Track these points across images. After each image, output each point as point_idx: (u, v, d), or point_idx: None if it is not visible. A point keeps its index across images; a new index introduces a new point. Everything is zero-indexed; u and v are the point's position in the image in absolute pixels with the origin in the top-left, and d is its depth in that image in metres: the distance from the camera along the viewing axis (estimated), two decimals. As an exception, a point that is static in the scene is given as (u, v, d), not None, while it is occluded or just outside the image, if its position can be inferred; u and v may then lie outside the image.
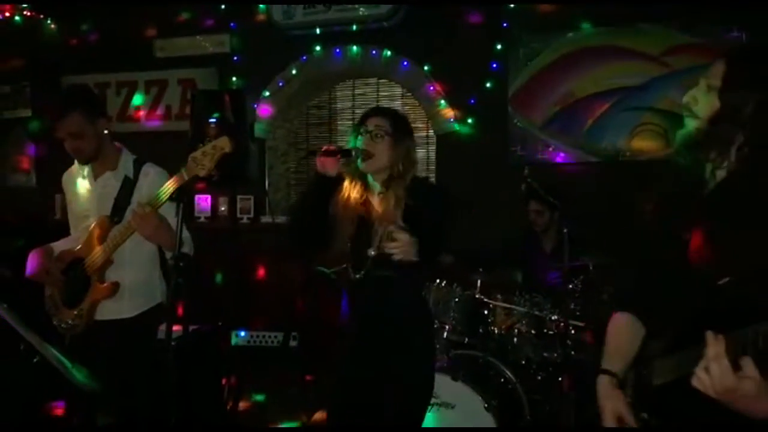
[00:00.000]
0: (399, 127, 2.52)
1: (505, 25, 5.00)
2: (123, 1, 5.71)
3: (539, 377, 3.74)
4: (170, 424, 2.49)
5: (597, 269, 3.80)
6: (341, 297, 3.49)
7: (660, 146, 4.59)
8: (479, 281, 3.80)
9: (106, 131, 2.81)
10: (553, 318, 3.72)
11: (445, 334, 3.68)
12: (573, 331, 3.70)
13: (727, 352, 1.23)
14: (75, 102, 2.75)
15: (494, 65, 5.02)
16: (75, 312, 2.74)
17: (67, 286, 2.78)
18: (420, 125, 5.36)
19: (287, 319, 4.46)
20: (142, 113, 5.91)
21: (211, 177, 2.50)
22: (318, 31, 5.28)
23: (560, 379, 3.71)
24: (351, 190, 2.51)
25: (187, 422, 3.27)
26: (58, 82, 5.85)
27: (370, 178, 2.52)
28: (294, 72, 5.48)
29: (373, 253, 2.43)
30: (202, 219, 5.64)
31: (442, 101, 5.12)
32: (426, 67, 5.15)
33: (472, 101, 5.05)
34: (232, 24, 5.67)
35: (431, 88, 5.15)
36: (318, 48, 5.39)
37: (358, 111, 5.53)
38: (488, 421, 3.25)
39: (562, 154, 4.91)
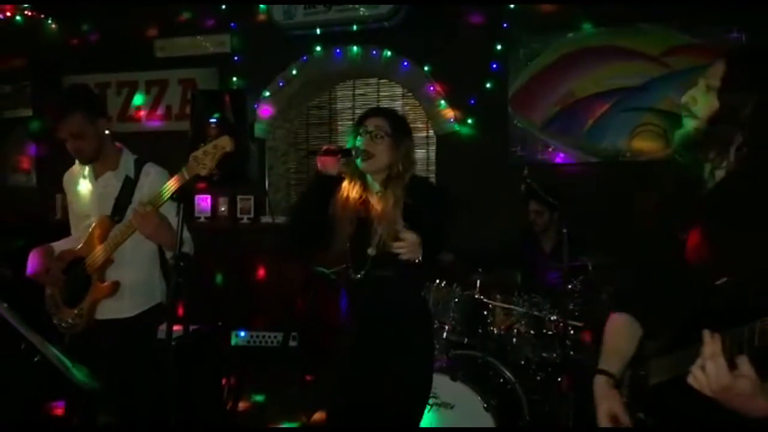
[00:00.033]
0: (398, 127, 2.53)
1: (505, 25, 4.99)
2: (124, 1, 5.71)
3: (538, 377, 3.74)
4: (170, 424, 2.49)
5: (596, 269, 3.81)
6: (341, 297, 3.50)
7: (660, 147, 4.59)
8: (479, 281, 3.81)
9: (106, 131, 2.81)
10: (552, 318, 3.72)
11: (444, 334, 3.68)
12: (572, 332, 3.71)
13: (723, 351, 1.23)
14: (76, 102, 2.75)
15: (494, 65, 5.02)
16: (75, 311, 2.74)
17: (68, 286, 2.79)
18: (420, 125, 5.36)
19: (287, 319, 4.46)
20: (142, 113, 5.91)
21: (212, 176, 2.51)
22: (318, 31, 5.28)
23: (559, 379, 3.72)
24: (350, 190, 2.52)
25: (187, 422, 3.27)
26: (59, 81, 5.84)
27: (369, 178, 2.53)
28: (294, 72, 5.48)
29: (372, 252, 2.44)
30: (202, 219, 5.64)
31: (443, 101, 5.12)
32: (426, 68, 5.15)
33: (473, 101, 5.05)
34: (232, 24, 5.67)
35: (431, 88, 5.15)
36: (318, 48, 5.39)
37: (358, 111, 5.50)
38: (487, 421, 3.26)
39: (561, 155, 4.91)
